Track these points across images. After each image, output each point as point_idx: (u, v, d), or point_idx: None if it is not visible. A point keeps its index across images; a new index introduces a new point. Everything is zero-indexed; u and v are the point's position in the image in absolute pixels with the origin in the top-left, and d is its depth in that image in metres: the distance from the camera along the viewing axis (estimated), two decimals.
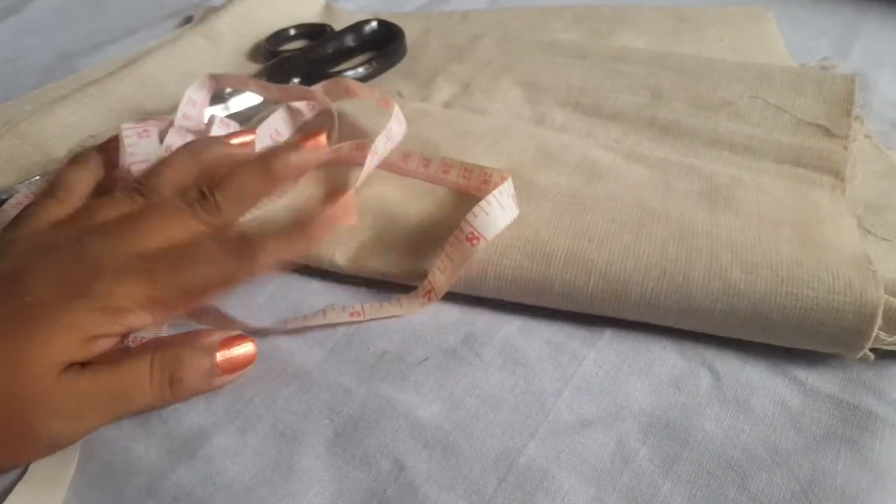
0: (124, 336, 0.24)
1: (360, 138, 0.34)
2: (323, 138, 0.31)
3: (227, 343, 0.24)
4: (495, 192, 0.27)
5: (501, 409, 0.23)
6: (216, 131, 0.34)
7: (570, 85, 0.39)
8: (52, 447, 0.22)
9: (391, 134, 0.33)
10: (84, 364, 0.22)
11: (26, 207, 0.27)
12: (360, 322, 0.27)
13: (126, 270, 0.23)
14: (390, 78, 0.43)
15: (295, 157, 0.28)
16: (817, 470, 0.21)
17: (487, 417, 0.23)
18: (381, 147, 0.32)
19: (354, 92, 0.35)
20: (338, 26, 0.47)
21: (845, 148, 0.32)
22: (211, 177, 0.27)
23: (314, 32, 0.49)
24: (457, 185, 0.32)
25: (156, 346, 0.23)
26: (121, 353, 0.23)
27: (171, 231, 0.25)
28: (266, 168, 0.28)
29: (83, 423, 0.22)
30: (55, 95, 0.41)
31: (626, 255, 0.26)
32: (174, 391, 0.23)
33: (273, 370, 0.25)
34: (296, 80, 0.41)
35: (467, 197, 0.30)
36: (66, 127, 0.37)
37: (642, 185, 0.30)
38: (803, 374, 0.24)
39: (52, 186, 0.28)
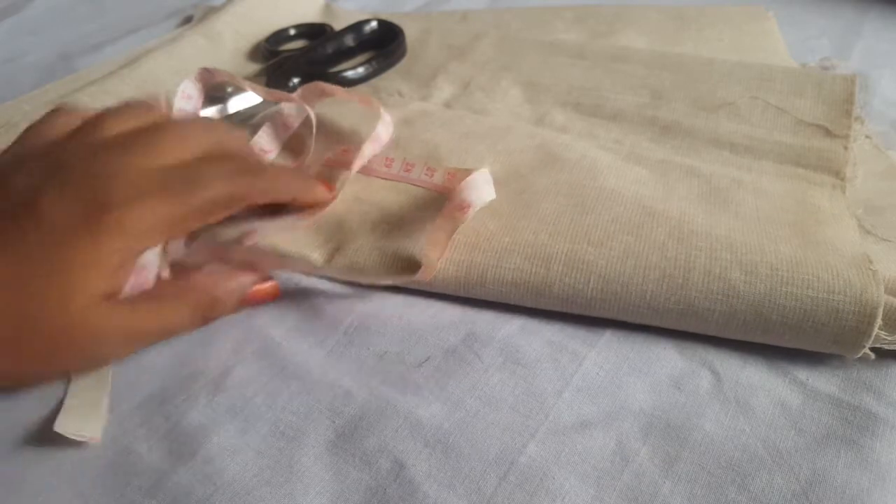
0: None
1: (345, 142, 0.34)
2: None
3: (256, 282, 0.26)
4: (480, 170, 0.28)
5: (501, 409, 0.23)
6: None
7: (571, 85, 0.39)
8: (98, 364, 0.24)
9: (378, 138, 0.33)
10: (115, 295, 0.23)
11: (30, 126, 0.25)
12: (359, 286, 0.28)
13: (145, 188, 0.22)
14: (390, 78, 0.43)
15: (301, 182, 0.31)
16: (817, 470, 0.21)
17: (487, 417, 0.23)
18: (368, 152, 0.33)
19: (332, 93, 0.36)
20: (338, 26, 0.47)
21: (846, 148, 0.32)
22: None
23: (314, 32, 0.49)
24: (419, 182, 0.32)
25: (192, 283, 0.25)
26: (156, 289, 0.24)
27: (187, 147, 0.25)
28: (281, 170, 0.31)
29: (124, 349, 0.24)
30: (55, 95, 0.41)
31: (626, 256, 0.26)
32: (207, 322, 0.25)
33: (273, 370, 0.25)
34: (296, 80, 0.41)
35: (435, 195, 0.31)
36: None
37: (642, 186, 0.30)
38: (803, 374, 0.24)
39: (55, 108, 0.26)
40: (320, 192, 0.30)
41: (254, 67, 0.45)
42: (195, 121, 0.27)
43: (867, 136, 0.34)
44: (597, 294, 0.25)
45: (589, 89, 0.39)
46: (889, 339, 0.23)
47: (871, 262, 0.25)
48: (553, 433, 0.23)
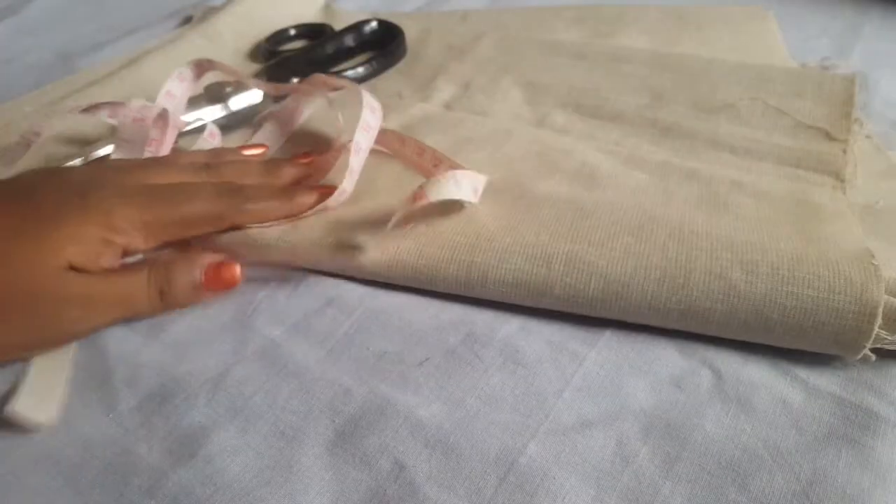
0: (122, 255, 0.26)
1: (334, 141, 0.35)
2: (315, 159, 0.34)
3: (215, 264, 0.27)
4: (458, 171, 0.28)
5: (502, 409, 0.23)
6: (204, 142, 0.35)
7: (571, 85, 0.39)
8: (68, 333, 0.25)
9: (368, 125, 0.32)
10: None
11: None
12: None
13: (128, 194, 0.26)
14: (390, 78, 0.43)
15: (292, 168, 0.32)
16: (818, 470, 0.21)
17: (488, 417, 0.23)
18: (364, 143, 0.32)
19: (334, 85, 0.35)
20: (338, 26, 0.47)
21: (845, 152, 0.32)
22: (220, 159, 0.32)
23: (314, 32, 0.49)
24: (410, 160, 0.33)
25: (152, 261, 0.27)
26: (123, 266, 0.26)
27: (175, 178, 0.29)
28: (269, 166, 0.32)
29: (92, 314, 0.25)
30: (55, 96, 0.41)
31: (626, 256, 0.26)
32: (164, 302, 0.26)
33: (273, 369, 0.25)
34: (295, 80, 0.41)
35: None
36: (64, 127, 0.37)
37: (642, 191, 0.30)
38: (805, 373, 0.24)
39: None
40: (304, 202, 0.30)
41: (254, 67, 0.45)
42: (187, 166, 0.30)
43: (868, 136, 0.34)
44: (598, 294, 0.25)
45: (589, 90, 0.39)
46: (890, 339, 0.23)
47: (872, 256, 0.25)
48: (553, 433, 0.23)
